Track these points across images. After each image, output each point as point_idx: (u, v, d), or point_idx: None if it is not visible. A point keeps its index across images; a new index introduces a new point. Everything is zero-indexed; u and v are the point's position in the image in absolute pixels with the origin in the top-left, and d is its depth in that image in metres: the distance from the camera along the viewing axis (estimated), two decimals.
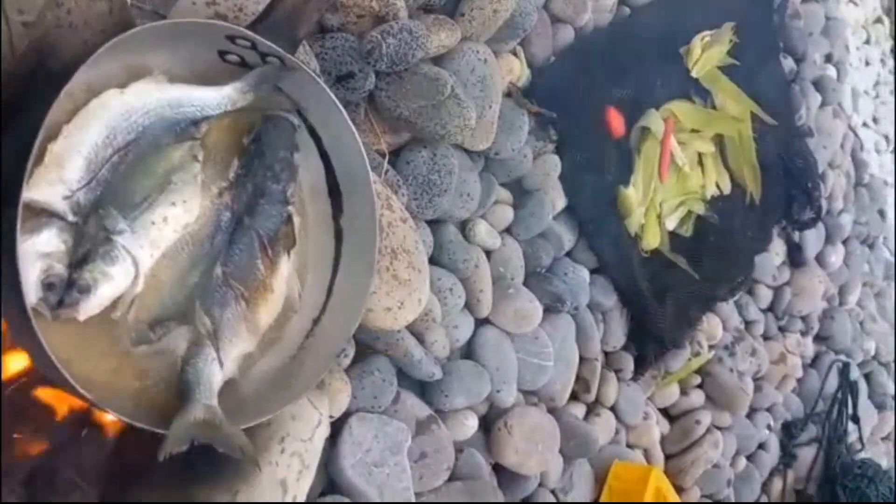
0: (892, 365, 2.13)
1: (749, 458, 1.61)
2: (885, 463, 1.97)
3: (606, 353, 1.29)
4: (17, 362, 0.57)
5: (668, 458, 1.41)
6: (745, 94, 1.45)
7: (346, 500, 0.79)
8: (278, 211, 0.66)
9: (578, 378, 1.21)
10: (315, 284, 0.69)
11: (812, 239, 1.75)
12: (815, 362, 1.82)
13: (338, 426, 0.81)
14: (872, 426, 1.97)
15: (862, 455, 1.85)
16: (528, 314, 1.09)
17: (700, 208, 1.42)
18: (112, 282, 0.56)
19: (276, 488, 0.63)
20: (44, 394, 0.59)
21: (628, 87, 1.28)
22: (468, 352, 1.03)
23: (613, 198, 1.27)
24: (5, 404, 0.57)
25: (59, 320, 0.54)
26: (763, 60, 1.55)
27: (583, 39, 1.22)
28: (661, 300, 1.34)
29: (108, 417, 0.60)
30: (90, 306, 0.55)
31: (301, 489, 0.67)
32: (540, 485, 1.11)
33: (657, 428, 1.37)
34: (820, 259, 1.81)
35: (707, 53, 1.36)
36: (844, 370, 1.85)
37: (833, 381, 1.82)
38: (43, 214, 0.54)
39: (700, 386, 1.48)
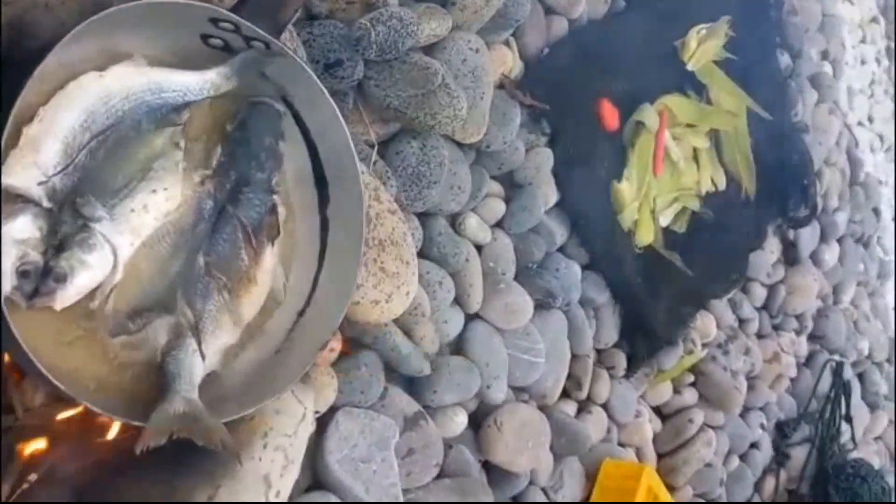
0: (885, 365, 2.13)
1: (742, 457, 1.60)
2: (877, 462, 1.96)
3: (598, 350, 1.28)
4: None
5: (660, 456, 1.40)
6: (741, 89, 1.44)
7: (332, 496, 0.78)
8: (262, 200, 0.64)
9: (570, 375, 1.20)
10: (300, 276, 0.68)
11: (807, 237, 1.74)
12: (808, 361, 1.81)
13: (324, 421, 0.80)
14: (865, 426, 1.96)
15: (854, 455, 1.84)
16: (519, 309, 1.08)
17: (694, 204, 1.40)
18: (90, 270, 0.54)
19: (260, 484, 0.62)
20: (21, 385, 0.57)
21: (623, 81, 1.26)
22: (458, 347, 1.01)
23: (607, 192, 1.25)
24: None
25: (34, 310, 0.52)
26: (759, 55, 1.54)
27: (577, 31, 1.20)
28: (654, 297, 1.33)
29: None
30: (67, 296, 0.53)
31: (285, 485, 0.65)
32: (530, 483, 1.10)
33: (649, 426, 1.36)
34: (814, 257, 1.80)
35: (703, 47, 1.35)
36: (838, 370, 1.84)
37: (827, 381, 1.81)
38: (17, 200, 0.52)
39: (693, 384, 1.47)
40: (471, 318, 1.04)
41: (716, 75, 1.38)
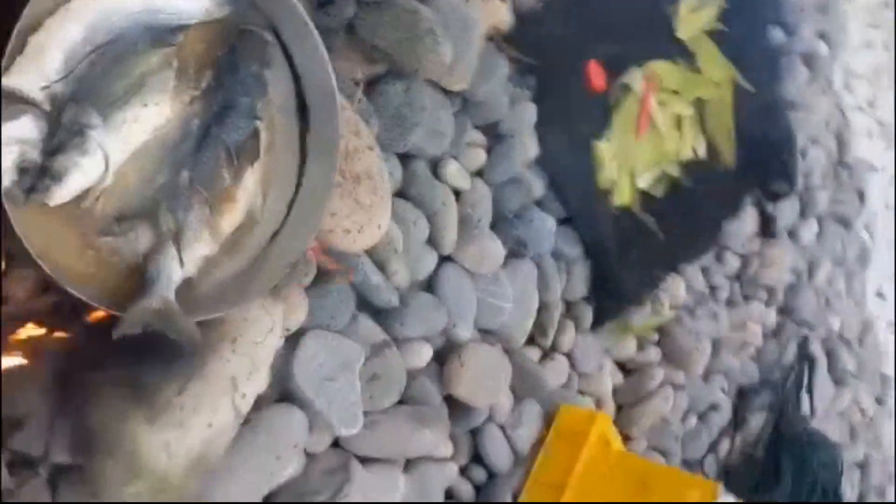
0: (854, 343, 2.18)
1: (700, 417, 1.66)
2: (836, 436, 2.03)
3: (567, 302, 1.33)
4: None
5: (619, 408, 1.46)
6: (730, 61, 1.47)
7: (297, 408, 0.84)
8: (246, 124, 0.69)
9: (537, 323, 1.25)
10: (277, 198, 0.73)
11: (786, 212, 1.78)
12: (776, 333, 1.86)
13: (294, 340, 0.85)
14: (829, 400, 2.02)
15: (812, 426, 1.91)
16: (491, 255, 1.13)
17: (674, 170, 1.45)
18: (83, 172, 0.59)
19: (227, 383, 0.68)
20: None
21: (613, 43, 1.30)
22: (428, 286, 1.07)
23: (587, 151, 1.29)
24: None
25: (30, 204, 0.57)
26: (752, 29, 1.57)
27: None
28: (625, 256, 1.38)
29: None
30: (61, 194, 0.58)
31: (251, 388, 0.71)
32: (489, 419, 1.16)
33: (610, 378, 1.42)
34: (792, 233, 1.84)
35: (694, 15, 1.38)
36: (803, 343, 1.90)
37: (792, 353, 1.87)
38: (20, 102, 0.57)
39: (658, 343, 1.53)
40: (443, 259, 1.09)
41: (705, 45, 1.41)
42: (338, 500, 0.80)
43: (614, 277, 1.36)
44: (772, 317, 1.84)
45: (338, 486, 0.90)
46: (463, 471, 1.12)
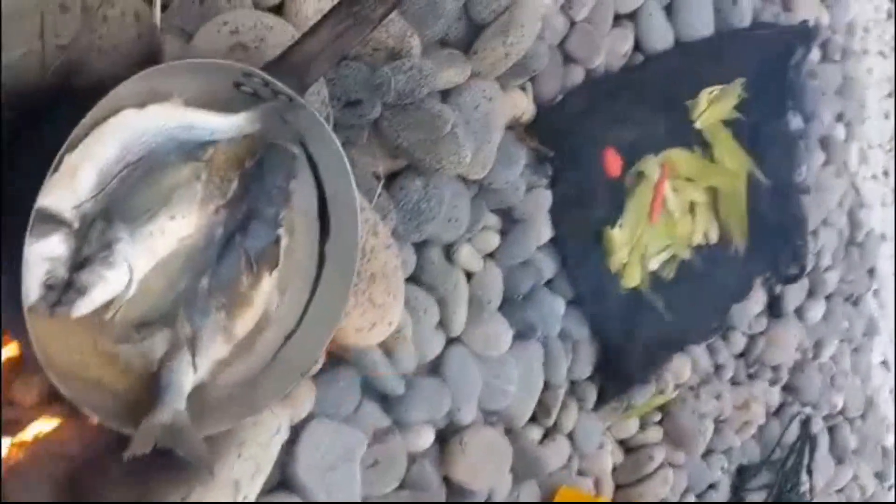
0: (858, 421, 2.17)
1: (699, 496, 1.66)
2: None
3: (572, 382, 1.34)
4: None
5: (617, 487, 1.47)
6: (746, 151, 1.49)
7: (296, 497, 0.85)
8: (268, 232, 0.71)
9: (540, 402, 1.26)
10: (293, 302, 0.75)
11: (794, 292, 1.79)
12: (779, 411, 1.86)
13: (298, 428, 0.87)
14: (828, 479, 2.01)
15: None
16: (498, 339, 1.14)
17: (685, 253, 1.46)
18: (107, 285, 0.62)
19: (230, 488, 0.69)
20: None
21: (630, 132, 1.32)
22: (434, 367, 1.08)
23: (599, 236, 1.31)
24: None
25: (53, 318, 0.59)
26: (770, 117, 1.59)
27: (592, 81, 1.26)
28: (632, 337, 1.39)
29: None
30: (84, 306, 0.61)
31: (253, 489, 0.73)
32: (487, 501, 1.17)
33: (610, 458, 1.43)
34: (799, 312, 1.84)
35: (713, 108, 1.40)
36: (806, 422, 1.90)
37: (794, 432, 1.86)
38: (52, 221, 0.59)
39: (659, 422, 1.53)
40: (451, 341, 1.10)
41: (721, 135, 1.43)
42: None
43: (620, 357, 1.37)
44: (775, 396, 1.84)
45: None
46: None
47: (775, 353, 1.77)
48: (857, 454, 2.16)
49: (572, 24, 1.20)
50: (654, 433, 1.52)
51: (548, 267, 1.25)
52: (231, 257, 0.69)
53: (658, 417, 1.53)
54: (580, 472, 1.37)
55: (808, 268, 1.75)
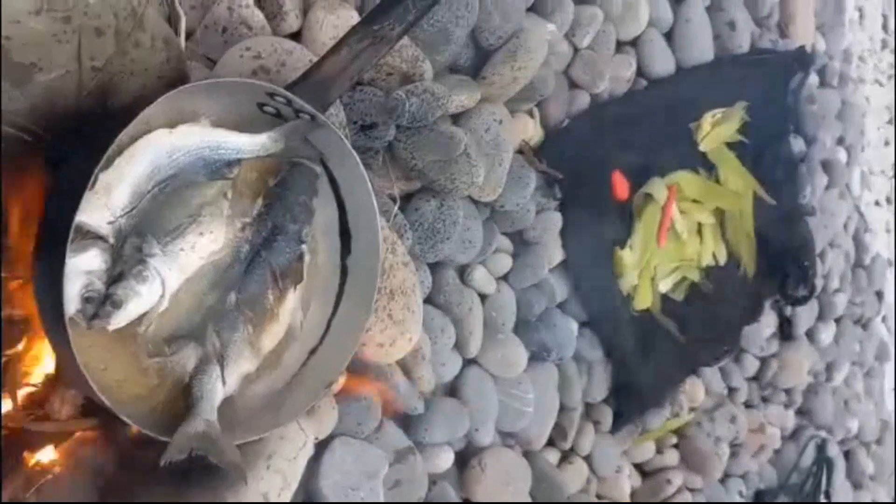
0: (874, 445, 2.16)
1: None
2: None
3: (587, 404, 1.35)
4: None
5: None
6: (750, 172, 1.51)
7: None
8: (292, 248, 0.73)
9: (557, 425, 1.27)
10: (316, 317, 0.76)
11: (804, 315, 1.79)
12: (794, 435, 1.86)
13: (322, 446, 0.88)
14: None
15: None
16: (514, 360, 1.16)
17: (694, 275, 1.48)
18: (141, 299, 0.63)
19: (259, 499, 0.70)
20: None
21: (637, 155, 1.35)
22: (452, 389, 1.09)
23: (609, 257, 1.33)
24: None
25: (91, 330, 0.61)
26: (772, 139, 1.62)
27: (597, 106, 1.29)
28: (645, 359, 1.40)
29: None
30: (120, 319, 0.62)
31: (279, 501, 0.73)
32: None
33: (628, 482, 1.42)
34: (810, 335, 1.85)
35: (716, 130, 1.43)
36: (822, 446, 1.89)
37: (810, 456, 1.85)
38: (89, 235, 0.61)
39: (676, 446, 1.53)
40: (468, 363, 1.12)
41: (726, 157, 1.46)
42: None
43: (634, 380, 1.38)
44: (790, 419, 1.83)
45: None
46: None
47: (788, 376, 1.77)
48: (875, 480, 2.14)
49: (576, 50, 1.24)
50: (671, 457, 1.52)
51: (560, 289, 1.26)
52: (257, 273, 0.71)
53: (674, 441, 1.53)
54: (599, 496, 1.37)
55: (817, 290, 1.76)
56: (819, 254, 1.78)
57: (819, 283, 1.79)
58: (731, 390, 1.67)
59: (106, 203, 0.61)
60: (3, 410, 0.64)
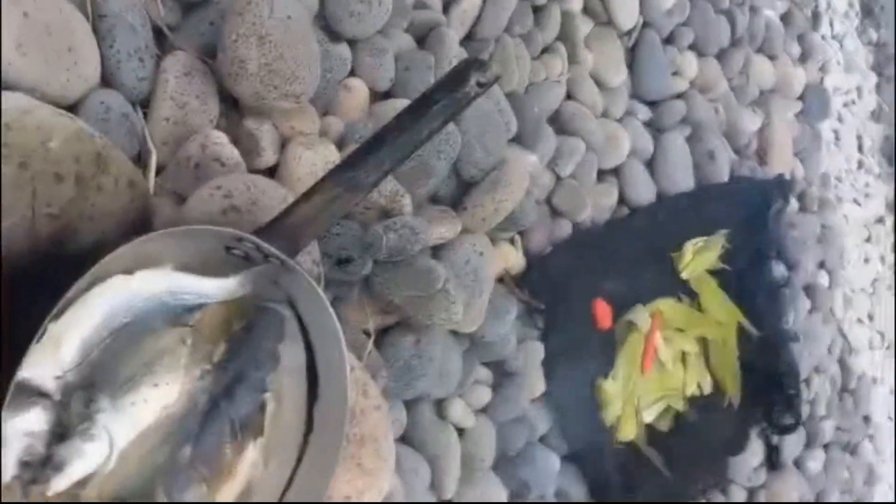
0: None
1: None
2: None
3: None
4: None
5: None
6: (733, 299, 1.50)
7: None
8: (254, 399, 0.68)
9: None
10: (277, 471, 0.71)
11: (791, 443, 1.75)
12: None
13: None
14: None
15: None
16: (493, 500, 1.10)
17: (679, 404, 1.44)
18: (86, 459, 0.58)
19: None
20: None
21: (619, 283, 1.33)
22: None
23: (593, 388, 1.29)
24: None
25: (28, 497, 0.56)
26: (754, 266, 1.61)
27: (579, 234, 1.28)
28: (629, 494, 1.34)
29: None
30: (61, 483, 0.57)
31: None
32: None
33: None
34: (798, 463, 1.80)
35: (698, 258, 1.42)
36: None
37: None
38: (32, 393, 0.57)
39: None
40: None
41: (708, 286, 1.45)
42: None
43: None
44: None
45: None
46: None
47: None
48: None
49: (558, 179, 1.24)
50: None
51: (541, 422, 1.22)
52: (215, 425, 0.67)
53: None
54: None
55: (804, 417, 1.72)
56: (804, 380, 1.76)
57: (805, 410, 1.75)
58: None
59: (54, 356, 0.57)
60: None
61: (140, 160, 0.74)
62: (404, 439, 1.00)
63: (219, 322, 0.69)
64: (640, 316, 1.35)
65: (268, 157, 0.83)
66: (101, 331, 0.60)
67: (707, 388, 1.48)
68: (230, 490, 0.67)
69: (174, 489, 0.64)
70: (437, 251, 1.01)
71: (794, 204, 1.80)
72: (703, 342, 1.47)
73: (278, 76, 0.79)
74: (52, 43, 0.68)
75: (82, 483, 0.59)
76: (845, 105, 2.22)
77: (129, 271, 0.63)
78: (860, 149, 2.31)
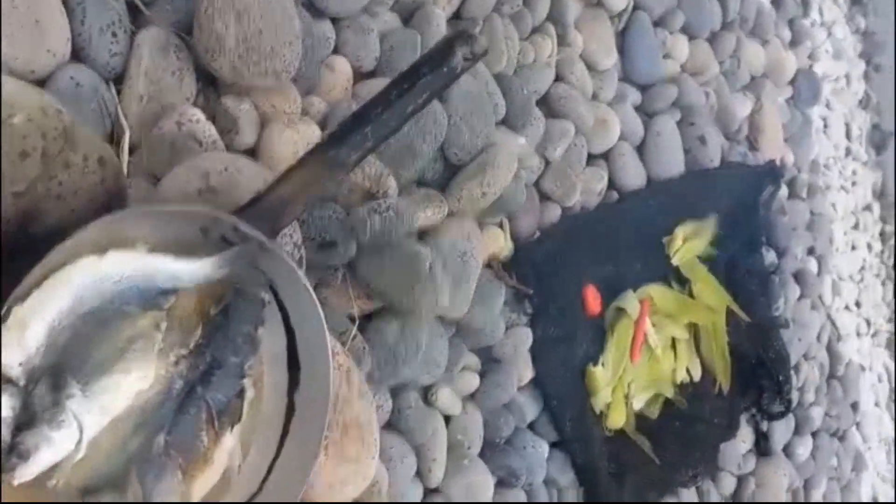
0: None
1: None
2: None
3: None
4: None
5: None
6: (723, 285, 1.48)
7: None
8: (232, 384, 0.66)
9: None
10: (257, 459, 0.69)
11: (780, 430, 1.75)
12: None
13: None
14: None
15: None
16: (480, 488, 1.08)
17: (669, 391, 1.42)
18: (54, 447, 0.56)
19: None
20: None
21: (608, 268, 1.31)
22: None
23: (582, 374, 1.27)
24: None
25: None
26: (744, 252, 1.60)
27: (568, 219, 1.26)
28: (619, 481, 1.33)
29: None
30: (27, 472, 0.55)
31: None
32: None
33: None
34: (787, 450, 1.80)
35: (688, 244, 1.41)
36: None
37: None
38: None
39: None
40: (429, 492, 1.04)
41: (698, 271, 1.43)
42: None
43: (607, 502, 1.30)
44: None
45: None
46: None
47: (766, 495, 1.71)
48: None
49: (547, 163, 1.21)
50: None
51: (530, 409, 1.20)
52: (190, 412, 0.64)
53: None
54: None
55: (794, 404, 1.71)
56: (794, 366, 1.75)
57: (795, 396, 1.75)
58: None
59: (19, 341, 0.55)
60: None
61: (113, 138, 0.71)
62: (390, 426, 0.98)
63: (195, 306, 0.67)
64: (630, 302, 1.33)
65: (247, 137, 0.80)
66: (69, 314, 0.58)
67: (697, 375, 1.46)
68: (207, 478, 0.65)
69: (148, 477, 0.61)
70: (423, 235, 0.98)
71: (784, 190, 1.79)
72: (694, 328, 1.45)
73: (257, 52, 0.76)
74: (19, 16, 0.65)
75: (49, 472, 0.57)
76: (834, 92, 2.22)
77: (100, 252, 0.60)
78: (848, 136, 2.30)
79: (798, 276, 1.84)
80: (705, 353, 1.47)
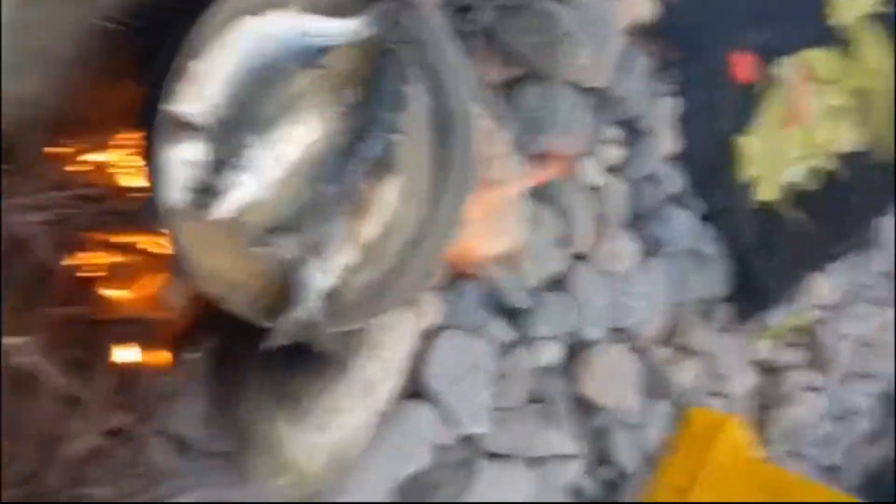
0: None
1: (839, 421, 1.59)
2: None
3: (703, 300, 1.29)
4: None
5: (754, 410, 1.42)
6: (893, 46, 1.36)
7: (427, 405, 0.87)
8: (385, 138, 0.70)
9: (670, 322, 1.23)
10: (415, 208, 0.74)
11: None
12: None
13: (427, 339, 0.88)
14: None
15: None
16: (625, 254, 1.12)
17: (828, 163, 1.36)
18: (241, 189, 0.63)
19: (363, 388, 0.71)
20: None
21: (761, 32, 1.23)
22: (560, 284, 1.06)
23: (731, 145, 1.24)
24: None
25: (193, 220, 0.62)
26: None
27: None
28: (768, 254, 1.32)
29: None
30: (221, 209, 0.62)
31: (385, 390, 0.74)
32: (617, 418, 1.15)
33: (746, 380, 1.38)
34: None
35: (854, 1, 1.28)
36: None
37: None
38: (185, 126, 0.61)
39: (798, 344, 1.47)
40: (576, 256, 1.08)
41: (866, 31, 1.31)
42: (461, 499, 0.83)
43: (755, 276, 1.31)
44: None
45: (463, 481, 0.92)
46: (590, 469, 1.12)
47: None
48: None
49: None
50: (793, 355, 1.46)
51: (675, 181, 1.20)
52: (352, 164, 0.69)
53: (795, 339, 1.46)
54: (714, 394, 1.33)
55: None
56: None
57: None
58: (861, 286, 1.57)
59: (198, 93, 0.61)
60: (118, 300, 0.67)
61: None
62: (533, 194, 1.01)
63: (348, 67, 0.70)
64: (785, 68, 1.25)
65: None
66: (239, 70, 0.62)
67: (857, 144, 1.38)
68: (372, 224, 0.71)
69: (321, 221, 0.68)
70: None
71: None
72: (857, 94, 1.36)
73: None
74: None
75: (238, 211, 0.64)
76: None
77: (259, 13, 0.64)
78: None
79: None
80: (872, 121, 1.38)
